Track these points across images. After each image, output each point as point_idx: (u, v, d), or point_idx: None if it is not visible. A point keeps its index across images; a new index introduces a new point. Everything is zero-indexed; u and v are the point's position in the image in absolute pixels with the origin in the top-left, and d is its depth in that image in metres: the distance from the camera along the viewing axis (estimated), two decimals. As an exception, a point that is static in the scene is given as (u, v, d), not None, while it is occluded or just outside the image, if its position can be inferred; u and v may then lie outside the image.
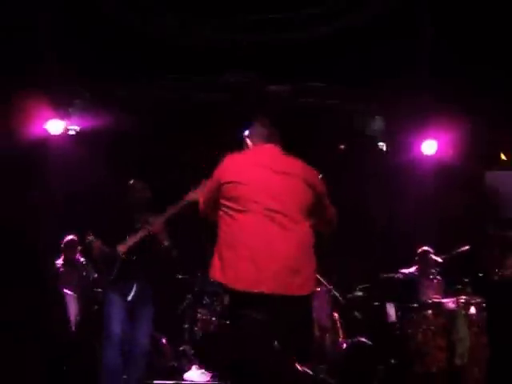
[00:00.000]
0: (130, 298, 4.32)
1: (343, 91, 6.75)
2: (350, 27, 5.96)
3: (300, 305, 3.00)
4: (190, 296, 6.26)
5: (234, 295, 3.00)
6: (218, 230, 3.14)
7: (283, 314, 2.94)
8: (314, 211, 3.15)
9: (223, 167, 3.19)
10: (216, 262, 3.06)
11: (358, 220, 7.23)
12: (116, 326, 4.29)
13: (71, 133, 7.04)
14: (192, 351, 6.12)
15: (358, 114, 7.17)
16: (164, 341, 6.01)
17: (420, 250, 6.31)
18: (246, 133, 3.33)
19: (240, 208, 3.05)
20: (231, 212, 3.07)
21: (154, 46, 6.17)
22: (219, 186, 3.14)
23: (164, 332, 6.07)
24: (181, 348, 6.23)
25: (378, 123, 7.16)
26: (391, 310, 5.97)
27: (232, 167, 3.16)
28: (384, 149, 7.33)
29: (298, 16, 5.99)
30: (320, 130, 7.04)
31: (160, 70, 6.57)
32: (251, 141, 3.30)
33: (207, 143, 6.93)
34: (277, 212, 3.02)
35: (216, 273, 3.04)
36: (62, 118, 6.90)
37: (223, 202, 3.12)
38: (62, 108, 6.88)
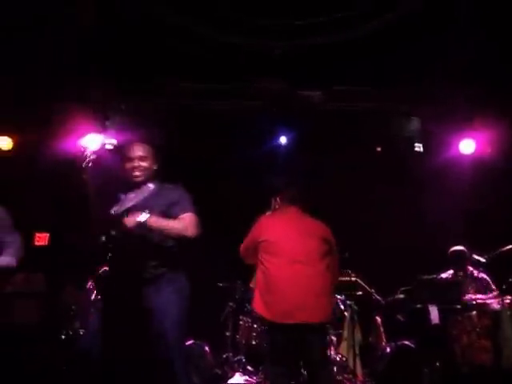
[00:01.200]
0: None
1: (378, 93, 6.71)
2: (382, 28, 5.92)
3: (321, 329, 4.10)
4: (231, 304, 6.29)
5: (272, 325, 4.05)
6: (257, 272, 4.22)
7: (308, 337, 3.97)
8: (328, 259, 4.17)
9: (258, 227, 4.30)
10: (257, 298, 4.15)
11: (397, 222, 7.18)
12: None
13: (108, 147, 7.14)
14: (235, 358, 6.17)
15: (393, 116, 7.12)
16: (207, 348, 6.05)
17: (452, 250, 6.26)
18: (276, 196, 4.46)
19: (273, 260, 4.11)
20: (266, 262, 4.13)
21: (182, 55, 6.20)
22: (256, 243, 4.23)
23: (207, 340, 6.12)
24: (224, 355, 6.27)
25: (414, 124, 7.10)
26: (434, 312, 5.88)
27: (265, 228, 4.25)
28: (421, 149, 7.26)
29: (329, 19, 5.98)
30: (356, 133, 7.02)
31: (188, 79, 6.60)
32: (280, 202, 4.45)
33: (237, 151, 6.97)
34: (300, 262, 4.06)
35: (258, 308, 4.12)
36: (99, 132, 7.01)
37: (260, 253, 4.19)
38: (99, 122, 7.00)
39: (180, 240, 3.70)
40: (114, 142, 7.12)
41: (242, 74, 6.50)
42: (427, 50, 5.93)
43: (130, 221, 3.58)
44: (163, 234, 3.66)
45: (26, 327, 5.52)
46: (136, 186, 3.84)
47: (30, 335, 5.48)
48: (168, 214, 3.71)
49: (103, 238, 3.64)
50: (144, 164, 3.84)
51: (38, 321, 6.19)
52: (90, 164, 3.83)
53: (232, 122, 7.03)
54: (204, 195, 4.06)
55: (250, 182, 7.04)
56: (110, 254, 3.62)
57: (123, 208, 3.72)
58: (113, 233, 3.63)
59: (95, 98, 6.59)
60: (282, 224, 4.26)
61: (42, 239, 7.17)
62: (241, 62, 6.27)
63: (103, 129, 7.04)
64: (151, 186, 3.85)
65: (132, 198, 3.80)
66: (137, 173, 3.81)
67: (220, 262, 6.33)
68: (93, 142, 7.01)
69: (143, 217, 3.59)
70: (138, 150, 3.85)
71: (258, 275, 4.19)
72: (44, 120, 6.51)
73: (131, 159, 3.84)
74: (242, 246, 4.41)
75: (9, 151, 7.16)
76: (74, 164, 6.93)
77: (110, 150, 7.04)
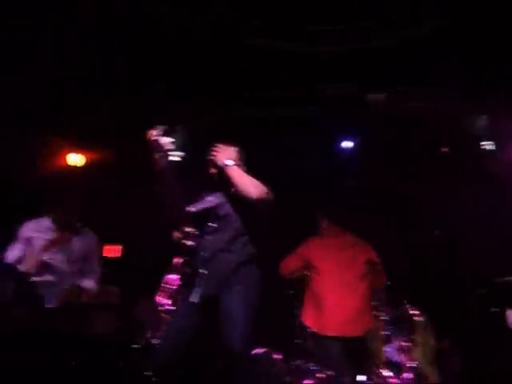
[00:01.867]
0: None
1: (443, 93, 6.56)
2: (442, 27, 5.80)
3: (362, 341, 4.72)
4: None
5: (318, 337, 4.71)
6: (306, 289, 4.83)
7: (351, 349, 4.59)
8: (370, 277, 4.70)
9: (307, 247, 4.86)
10: (306, 312, 4.82)
11: (469, 223, 6.97)
12: None
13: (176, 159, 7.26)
14: (305, 366, 6.15)
15: (460, 115, 6.93)
16: (277, 356, 6.06)
17: None
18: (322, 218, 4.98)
19: (320, 277, 4.65)
20: (314, 280, 4.69)
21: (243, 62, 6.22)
22: (306, 264, 4.78)
23: (277, 347, 6.13)
24: (294, 363, 6.26)
25: (482, 122, 6.90)
26: (512, 315, 5.70)
27: (313, 248, 4.80)
28: (490, 148, 7.05)
29: (391, 20, 5.91)
30: (422, 134, 6.87)
31: (250, 88, 6.60)
32: (325, 223, 4.94)
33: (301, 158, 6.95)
34: (347, 285, 4.58)
35: (307, 321, 4.82)
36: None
37: (308, 271, 4.74)
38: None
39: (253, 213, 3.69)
40: (181, 153, 7.25)
41: (305, 81, 6.48)
42: (492, 45, 5.75)
43: (219, 156, 3.65)
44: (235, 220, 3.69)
45: (102, 338, 5.68)
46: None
47: (105, 345, 5.62)
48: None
49: (179, 236, 3.69)
50: None
51: (113, 332, 6.38)
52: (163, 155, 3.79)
53: (297, 129, 7.01)
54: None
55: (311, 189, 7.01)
56: (185, 253, 3.68)
57: (203, 207, 3.73)
58: (188, 230, 3.68)
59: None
60: (328, 244, 4.83)
61: (114, 252, 7.39)
62: (303, 68, 6.26)
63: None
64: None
65: (213, 200, 3.82)
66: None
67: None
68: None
69: (230, 162, 3.65)
70: (223, 157, 3.83)
71: (308, 292, 4.87)
72: (114, 133, 6.71)
73: (214, 165, 3.84)
74: (286, 263, 4.90)
75: (81, 167, 7.46)
76: (144, 175, 7.21)
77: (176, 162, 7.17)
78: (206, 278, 3.59)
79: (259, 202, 3.60)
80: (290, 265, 4.88)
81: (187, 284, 3.69)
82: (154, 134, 3.69)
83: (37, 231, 4.60)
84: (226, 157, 3.70)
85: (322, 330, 4.70)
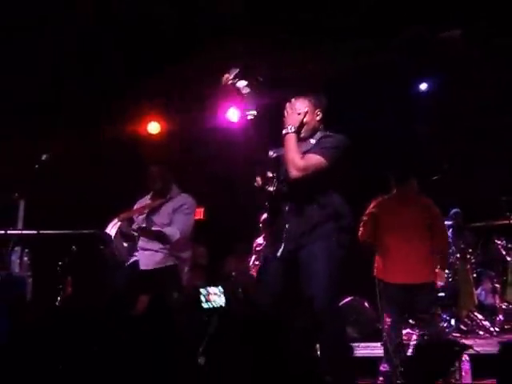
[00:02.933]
0: None
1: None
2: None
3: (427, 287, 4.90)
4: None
5: (387, 285, 4.94)
6: (378, 245, 5.02)
7: (416, 294, 4.82)
8: (433, 232, 4.94)
9: (374, 205, 5.05)
10: (377, 265, 5.06)
11: None
12: None
13: (249, 117, 7.32)
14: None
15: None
16: (366, 304, 6.12)
17: None
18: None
19: (388, 232, 4.92)
20: (383, 235, 4.94)
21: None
22: (374, 219, 4.98)
23: (366, 295, 6.17)
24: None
25: None
26: None
27: (379, 205, 5.03)
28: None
29: None
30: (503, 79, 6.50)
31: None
32: (394, 185, 5.07)
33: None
34: (411, 234, 4.84)
35: (378, 273, 5.05)
36: (238, 104, 7.21)
37: (378, 229, 4.97)
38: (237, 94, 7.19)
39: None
40: (254, 112, 7.29)
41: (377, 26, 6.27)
42: None
43: (292, 118, 3.54)
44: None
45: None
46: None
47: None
48: None
49: (261, 181, 3.56)
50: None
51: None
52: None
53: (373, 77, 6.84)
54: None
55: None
56: (268, 200, 3.55)
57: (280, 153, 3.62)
58: (270, 174, 3.53)
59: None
60: (395, 203, 5.04)
61: (197, 214, 7.56)
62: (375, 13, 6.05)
63: (243, 100, 7.21)
64: (313, 141, 3.65)
65: None
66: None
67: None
68: (234, 114, 7.30)
69: (290, 128, 3.52)
70: (294, 107, 3.66)
71: (379, 247, 5.05)
72: (188, 98, 6.82)
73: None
74: (361, 228, 5.06)
75: (158, 135, 7.64)
76: (221, 138, 7.33)
77: (251, 120, 7.22)
78: (288, 232, 3.51)
79: (295, 180, 3.48)
80: (365, 227, 5.04)
81: (273, 240, 3.61)
82: (229, 77, 3.56)
83: (138, 203, 4.80)
84: (291, 121, 3.54)
85: (388, 278, 4.95)
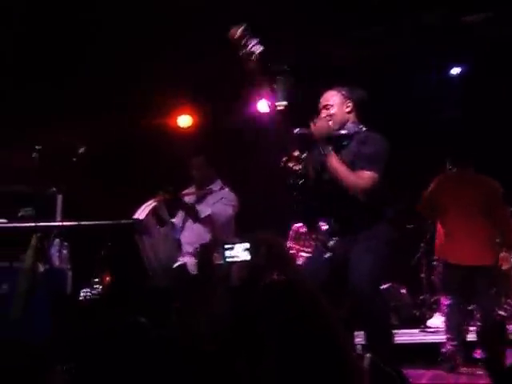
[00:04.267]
0: None
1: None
2: None
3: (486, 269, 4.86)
4: (423, 245, 6.23)
5: (447, 266, 4.98)
6: (438, 223, 5.08)
7: (475, 276, 4.83)
8: (495, 213, 4.88)
9: (437, 184, 5.03)
10: (439, 245, 5.10)
11: None
12: None
13: (279, 108, 7.31)
14: (432, 299, 6.13)
15: None
16: (404, 291, 6.09)
17: None
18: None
19: (449, 211, 4.89)
20: (445, 215, 4.93)
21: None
22: (435, 197, 4.98)
23: (403, 282, 6.15)
24: (420, 297, 6.27)
25: None
26: None
27: (443, 184, 5.02)
28: None
29: None
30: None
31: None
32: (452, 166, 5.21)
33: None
34: (471, 213, 4.82)
35: (439, 253, 5.14)
36: (269, 95, 7.21)
37: (439, 208, 4.98)
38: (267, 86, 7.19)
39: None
40: (285, 103, 7.27)
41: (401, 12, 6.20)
42: None
43: (318, 127, 3.48)
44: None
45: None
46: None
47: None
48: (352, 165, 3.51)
49: (287, 161, 3.52)
50: (330, 112, 3.68)
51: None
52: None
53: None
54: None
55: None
56: (297, 181, 3.48)
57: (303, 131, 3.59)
58: (296, 153, 3.49)
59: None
60: (455, 182, 5.06)
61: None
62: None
63: (272, 91, 7.21)
64: (343, 131, 3.65)
65: None
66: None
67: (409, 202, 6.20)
68: (264, 105, 7.30)
69: (325, 150, 3.46)
70: (323, 100, 3.74)
71: (439, 226, 5.09)
72: (218, 91, 6.83)
73: (319, 111, 3.73)
74: (421, 202, 5.11)
75: (189, 128, 7.68)
76: (254, 130, 7.33)
77: (281, 111, 7.21)
78: (333, 231, 3.51)
79: (360, 194, 3.44)
80: (422, 201, 5.11)
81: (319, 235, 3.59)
82: (237, 32, 3.36)
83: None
84: (321, 130, 3.50)
85: (449, 259, 4.97)
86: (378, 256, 3.47)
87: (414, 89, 6.83)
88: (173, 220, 4.89)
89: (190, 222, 4.81)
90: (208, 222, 4.64)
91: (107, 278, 5.33)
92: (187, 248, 4.72)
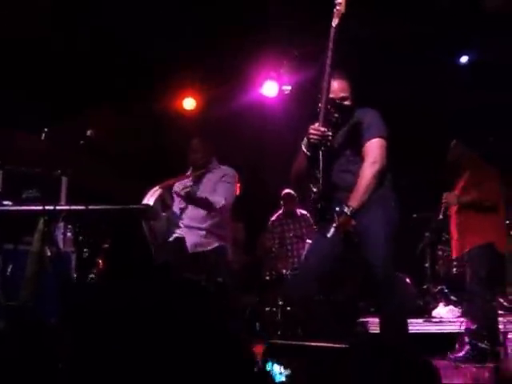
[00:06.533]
0: None
1: None
2: None
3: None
4: (427, 234, 6.20)
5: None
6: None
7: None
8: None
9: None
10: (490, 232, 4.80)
11: None
12: None
13: (285, 92, 7.29)
14: (436, 289, 6.12)
15: None
16: (408, 280, 6.06)
17: None
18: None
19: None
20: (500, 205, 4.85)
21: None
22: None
23: (407, 272, 6.12)
24: (424, 286, 6.26)
25: None
26: None
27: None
28: None
29: None
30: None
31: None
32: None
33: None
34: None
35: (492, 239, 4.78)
36: (275, 79, 7.19)
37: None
38: (273, 70, 7.16)
39: None
40: (289, 87, 7.25)
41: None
42: None
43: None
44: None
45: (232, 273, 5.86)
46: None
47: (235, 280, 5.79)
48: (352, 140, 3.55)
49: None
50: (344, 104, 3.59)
51: (242, 266, 6.59)
52: None
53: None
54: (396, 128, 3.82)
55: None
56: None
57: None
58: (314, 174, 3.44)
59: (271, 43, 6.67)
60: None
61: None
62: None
63: (278, 75, 7.19)
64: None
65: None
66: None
67: (414, 191, 6.16)
68: (271, 89, 7.26)
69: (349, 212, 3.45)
70: (338, 91, 3.60)
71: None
72: (224, 74, 6.77)
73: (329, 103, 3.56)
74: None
75: (193, 110, 7.64)
76: (258, 112, 7.30)
77: (287, 95, 7.21)
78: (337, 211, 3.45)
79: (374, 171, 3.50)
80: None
81: (319, 216, 3.52)
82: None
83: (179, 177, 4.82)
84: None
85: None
86: (389, 227, 3.48)
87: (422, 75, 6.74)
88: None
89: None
90: (211, 207, 4.55)
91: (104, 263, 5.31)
92: (189, 222, 4.63)
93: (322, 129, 3.38)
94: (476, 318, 4.65)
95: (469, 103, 6.60)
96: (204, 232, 4.55)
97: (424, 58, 6.54)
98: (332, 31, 3.36)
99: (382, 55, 6.50)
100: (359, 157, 3.55)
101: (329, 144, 3.41)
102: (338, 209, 3.44)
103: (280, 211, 6.80)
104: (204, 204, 4.51)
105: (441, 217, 4.80)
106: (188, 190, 4.51)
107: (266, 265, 6.55)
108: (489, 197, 4.79)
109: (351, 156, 3.57)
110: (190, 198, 4.53)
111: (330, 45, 3.36)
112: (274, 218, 6.84)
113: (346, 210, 3.41)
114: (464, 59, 6.97)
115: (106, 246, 5.37)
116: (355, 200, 3.44)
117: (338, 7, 3.35)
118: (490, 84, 6.46)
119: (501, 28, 6.07)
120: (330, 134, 3.40)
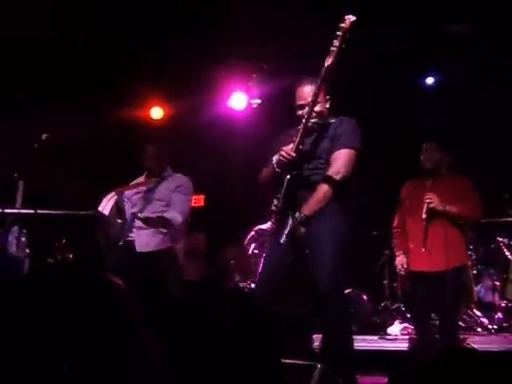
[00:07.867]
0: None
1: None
2: None
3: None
4: (387, 252, 6.22)
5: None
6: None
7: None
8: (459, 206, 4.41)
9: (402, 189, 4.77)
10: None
11: None
12: None
13: (254, 106, 7.29)
14: (393, 306, 6.15)
15: None
16: (365, 297, 6.09)
17: None
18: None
19: (407, 215, 4.69)
20: (404, 219, 4.74)
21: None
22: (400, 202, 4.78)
23: (364, 288, 6.15)
24: (382, 304, 6.28)
25: None
26: None
27: (405, 189, 4.77)
28: None
29: None
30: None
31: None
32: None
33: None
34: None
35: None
36: (243, 92, 7.19)
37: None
38: (242, 82, 7.16)
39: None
40: (258, 101, 7.26)
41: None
42: None
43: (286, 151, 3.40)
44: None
45: (193, 283, 5.82)
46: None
47: (195, 291, 5.75)
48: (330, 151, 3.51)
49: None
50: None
51: (202, 277, 6.56)
52: None
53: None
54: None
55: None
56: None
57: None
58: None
59: (238, 58, 6.68)
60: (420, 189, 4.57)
61: (197, 201, 7.52)
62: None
63: (247, 88, 7.18)
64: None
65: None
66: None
67: (374, 209, 6.17)
68: (238, 102, 7.26)
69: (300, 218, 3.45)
70: (299, 99, 3.58)
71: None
72: (192, 85, 6.76)
73: (296, 108, 3.60)
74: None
75: (160, 120, 7.60)
76: (225, 124, 7.28)
77: (255, 109, 7.21)
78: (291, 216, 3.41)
79: (337, 181, 3.46)
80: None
81: (277, 227, 3.50)
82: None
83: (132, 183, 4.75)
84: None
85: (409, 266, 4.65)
86: (339, 239, 3.42)
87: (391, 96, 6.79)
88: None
89: (143, 202, 4.66)
90: (167, 224, 4.51)
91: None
92: (141, 224, 4.57)
93: (293, 154, 3.37)
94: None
95: (434, 123, 6.68)
96: (154, 230, 4.48)
97: (390, 78, 6.61)
98: (323, 71, 3.33)
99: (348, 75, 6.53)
100: (328, 165, 3.50)
101: (295, 173, 3.41)
102: (291, 215, 3.41)
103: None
104: (161, 223, 4.48)
105: (424, 216, 4.53)
106: (145, 215, 4.46)
107: (227, 276, 6.52)
108: (475, 214, 4.55)
109: (320, 164, 3.53)
110: (147, 221, 4.47)
111: (319, 82, 3.35)
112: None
113: (297, 215, 3.38)
114: (430, 80, 7.06)
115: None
116: (308, 207, 3.41)
117: (333, 48, 3.32)
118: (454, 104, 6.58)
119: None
120: (298, 162, 3.40)
